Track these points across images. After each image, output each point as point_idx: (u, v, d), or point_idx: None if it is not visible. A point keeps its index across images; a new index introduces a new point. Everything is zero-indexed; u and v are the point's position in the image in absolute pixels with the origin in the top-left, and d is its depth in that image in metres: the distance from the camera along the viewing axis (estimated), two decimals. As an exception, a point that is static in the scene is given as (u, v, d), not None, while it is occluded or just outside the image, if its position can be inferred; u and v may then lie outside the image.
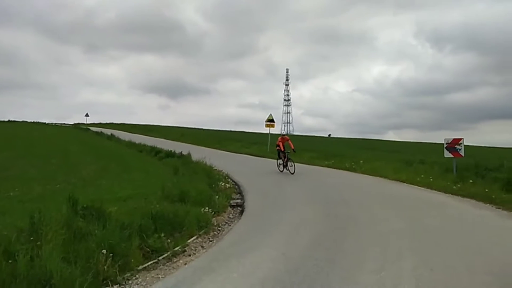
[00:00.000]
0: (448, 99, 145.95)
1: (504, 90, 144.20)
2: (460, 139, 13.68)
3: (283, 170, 16.73)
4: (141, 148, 25.21)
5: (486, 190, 10.93)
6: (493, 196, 10.35)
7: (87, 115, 58.88)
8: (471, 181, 12.17)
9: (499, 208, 9.50)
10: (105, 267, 5.07)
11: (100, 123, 62.90)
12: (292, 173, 15.95)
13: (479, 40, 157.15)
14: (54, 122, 59.66)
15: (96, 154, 22.10)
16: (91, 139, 34.61)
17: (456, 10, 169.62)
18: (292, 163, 16.38)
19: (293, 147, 16.99)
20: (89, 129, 47.36)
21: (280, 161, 17.09)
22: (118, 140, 32.98)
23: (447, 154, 13.90)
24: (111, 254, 5.20)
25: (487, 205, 9.96)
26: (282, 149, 16.92)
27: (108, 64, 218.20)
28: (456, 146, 13.59)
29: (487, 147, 41.71)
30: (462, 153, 13.52)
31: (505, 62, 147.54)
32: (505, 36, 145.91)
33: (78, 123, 60.68)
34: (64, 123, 61.41)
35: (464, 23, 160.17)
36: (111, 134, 37.27)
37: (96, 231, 5.64)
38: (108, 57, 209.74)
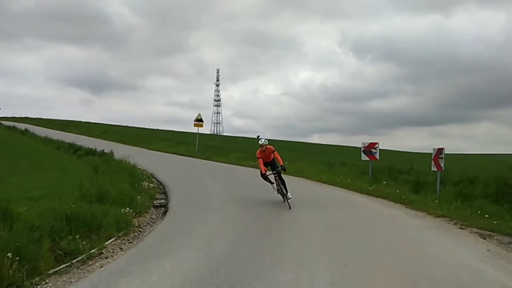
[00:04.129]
0: (367, 106, 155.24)
1: (417, 100, 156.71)
2: (376, 143, 14.60)
3: (284, 198, 10.08)
4: (58, 144, 23.64)
5: (398, 191, 11.79)
6: (403, 197, 11.18)
7: (-2, 107, 54.06)
8: (384, 182, 13.06)
9: (408, 208, 10.29)
10: (10, 271, 4.69)
11: (13, 117, 58.07)
12: (290, 208, 9.62)
13: (396, 52, 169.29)
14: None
15: (6, 150, 20.32)
16: (2, 133, 31.81)
17: (376, 22, 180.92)
18: (286, 190, 10.10)
19: (281, 163, 10.40)
20: (0, 123, 43.53)
21: (275, 186, 10.40)
22: (33, 135, 30.76)
23: (364, 157, 14.75)
24: (18, 258, 4.82)
25: (398, 205, 10.74)
26: (264, 171, 10.27)
27: (23, 54, 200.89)
28: (372, 149, 14.47)
29: (400, 151, 44.94)
30: (377, 156, 14.43)
31: (419, 73, 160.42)
32: (419, 49, 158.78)
33: (-12, 116, 55.45)
34: (-30, 116, 55.81)
35: (383, 34, 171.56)
36: (25, 129, 34.66)
37: (1, 233, 5.20)
38: (23, 46, 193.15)
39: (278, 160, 10.41)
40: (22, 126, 38.10)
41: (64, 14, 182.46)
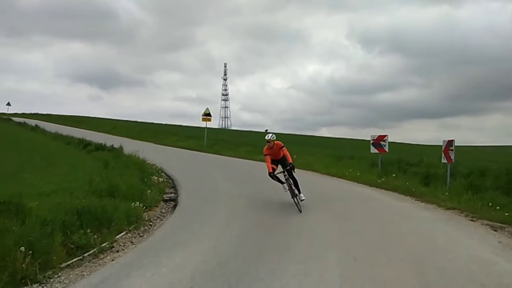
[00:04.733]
0: (376, 98, 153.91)
1: (426, 91, 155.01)
2: (385, 136, 14.50)
3: (295, 200, 8.91)
4: (68, 140, 23.85)
5: (407, 183, 11.71)
6: (413, 189, 11.11)
7: (8, 104, 54.37)
8: (394, 175, 12.98)
9: (418, 200, 10.22)
10: (24, 265, 4.78)
11: (24, 113, 58.55)
12: (300, 211, 8.62)
13: (404, 43, 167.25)
14: (-30, 111, 54.62)
15: (17, 146, 20.57)
16: (13, 130, 32.17)
17: (383, 14, 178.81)
18: (298, 191, 9.14)
19: (290, 160, 9.32)
20: (11, 119, 44.01)
21: (285, 186, 9.13)
22: (43, 131, 31.02)
23: (373, 150, 14.67)
24: (31, 252, 4.91)
25: (408, 197, 10.67)
26: (271, 169, 9.16)
27: (31, 51, 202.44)
28: (381, 142, 14.38)
29: (409, 144, 44.62)
30: (386, 149, 14.34)
31: (427, 64, 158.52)
32: (427, 40, 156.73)
33: (-1, 113, 56.04)
34: (-19, 113, 56.42)
35: (391, 26, 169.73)
36: (36, 125, 35.03)
37: (14, 228, 5.28)
38: (31, 43, 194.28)
39: (287, 157, 9.29)
40: (32, 122, 38.51)
41: (71, 10, 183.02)
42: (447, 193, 10.28)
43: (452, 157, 11.12)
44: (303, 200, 9.03)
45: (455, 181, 10.96)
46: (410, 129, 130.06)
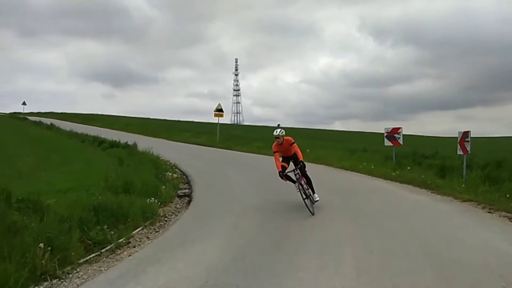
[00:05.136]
0: (389, 91, 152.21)
1: (440, 83, 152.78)
2: (399, 128, 14.36)
3: (306, 202, 7.98)
4: (83, 138, 24.15)
5: (422, 176, 11.59)
6: (429, 182, 10.98)
7: (24, 103, 55.05)
8: (408, 168, 12.86)
9: (434, 193, 10.11)
10: (43, 261, 4.87)
11: (39, 112, 59.38)
12: (313, 214, 7.79)
13: (417, 34, 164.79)
14: (-12, 111, 55.65)
15: (34, 144, 20.88)
16: (29, 129, 32.67)
17: (395, 4, 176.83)
18: (312, 191, 8.35)
19: (301, 158, 8.42)
20: (26, 118, 44.69)
21: (299, 187, 8.09)
22: (58, 130, 31.43)
23: (387, 143, 14.55)
24: (49, 248, 5.00)
25: (423, 190, 10.55)
26: (280, 168, 8.35)
27: (46, 50, 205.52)
28: (395, 135, 14.24)
29: (424, 136, 44.16)
30: (401, 141, 14.20)
31: (441, 55, 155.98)
32: (441, 31, 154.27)
33: (15, 112, 56.88)
34: (-1, 112, 57.43)
35: (403, 17, 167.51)
36: (51, 123, 35.44)
37: (32, 225, 5.39)
38: (45, 43, 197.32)
39: (298, 155, 8.42)
40: (47, 121, 38.99)
41: (83, 9, 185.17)
42: (463, 185, 10.15)
43: (468, 148, 10.96)
44: (317, 201, 8.27)
45: (471, 173, 10.82)
46: (424, 121, 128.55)
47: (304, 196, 7.99)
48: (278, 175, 8.40)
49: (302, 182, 8.13)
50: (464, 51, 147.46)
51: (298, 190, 8.08)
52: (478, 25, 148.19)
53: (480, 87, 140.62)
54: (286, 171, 8.42)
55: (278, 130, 8.51)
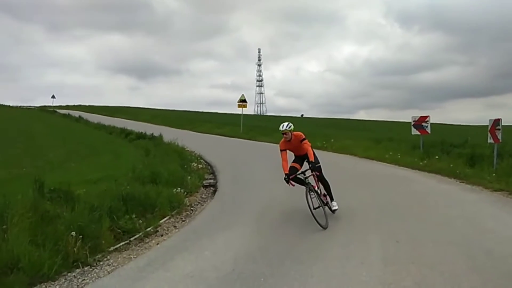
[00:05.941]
0: (416, 79, 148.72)
1: (469, 70, 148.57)
2: (427, 116, 14.06)
3: (316, 212, 6.43)
4: (110, 130, 24.72)
5: (451, 165, 11.31)
6: (458, 171, 10.73)
7: (53, 97, 56.91)
8: (437, 157, 12.57)
9: (463, 182, 9.87)
10: (75, 249, 5.03)
11: (67, 105, 60.90)
12: (325, 228, 6.19)
13: (445, 20, 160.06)
14: (19, 105, 57.45)
15: (63, 137, 21.51)
16: (58, 121, 33.65)
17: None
18: (330, 198, 7.04)
19: (312, 158, 6.78)
20: (56, 111, 45.90)
21: (308, 192, 6.62)
22: (86, 122, 32.24)
23: (414, 132, 14.27)
24: (81, 236, 5.17)
25: (452, 179, 10.32)
26: (287, 170, 6.84)
27: (73, 44, 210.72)
28: (422, 123, 13.96)
29: (452, 124, 42.93)
30: (428, 130, 13.91)
31: (470, 42, 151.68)
32: (469, 17, 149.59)
33: (45, 106, 58.56)
34: (29, 106, 59.24)
35: (431, 3, 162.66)
36: (79, 116, 36.35)
37: (64, 214, 5.57)
38: (72, 37, 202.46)
39: (309, 153, 6.86)
40: (76, 113, 39.97)
41: (107, 3, 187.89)
42: (494, 174, 9.87)
43: (499, 136, 10.63)
44: (335, 209, 6.96)
45: (502, 162, 10.50)
46: (453, 109, 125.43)
47: (317, 205, 6.56)
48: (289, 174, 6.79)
49: (316, 188, 6.78)
50: (494, 36, 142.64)
51: (307, 196, 6.56)
52: (510, 10, 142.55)
53: (511, 73, 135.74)
54: (297, 173, 6.93)
55: (285, 124, 7.07)
